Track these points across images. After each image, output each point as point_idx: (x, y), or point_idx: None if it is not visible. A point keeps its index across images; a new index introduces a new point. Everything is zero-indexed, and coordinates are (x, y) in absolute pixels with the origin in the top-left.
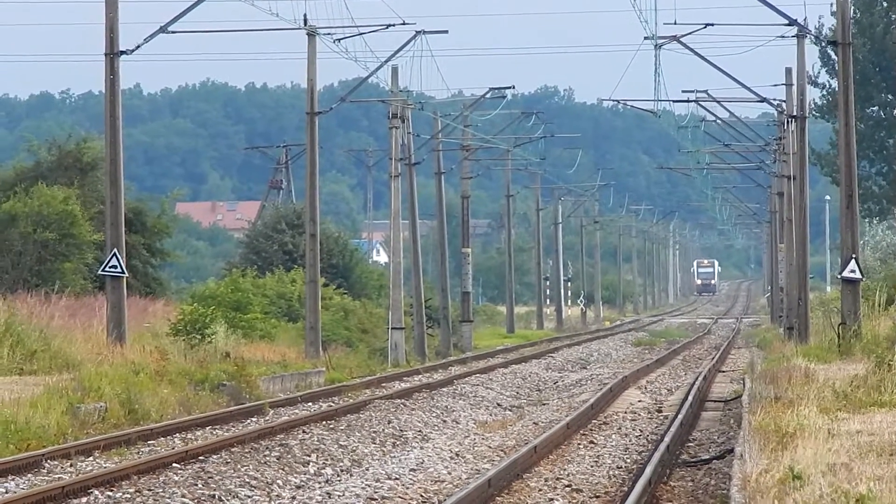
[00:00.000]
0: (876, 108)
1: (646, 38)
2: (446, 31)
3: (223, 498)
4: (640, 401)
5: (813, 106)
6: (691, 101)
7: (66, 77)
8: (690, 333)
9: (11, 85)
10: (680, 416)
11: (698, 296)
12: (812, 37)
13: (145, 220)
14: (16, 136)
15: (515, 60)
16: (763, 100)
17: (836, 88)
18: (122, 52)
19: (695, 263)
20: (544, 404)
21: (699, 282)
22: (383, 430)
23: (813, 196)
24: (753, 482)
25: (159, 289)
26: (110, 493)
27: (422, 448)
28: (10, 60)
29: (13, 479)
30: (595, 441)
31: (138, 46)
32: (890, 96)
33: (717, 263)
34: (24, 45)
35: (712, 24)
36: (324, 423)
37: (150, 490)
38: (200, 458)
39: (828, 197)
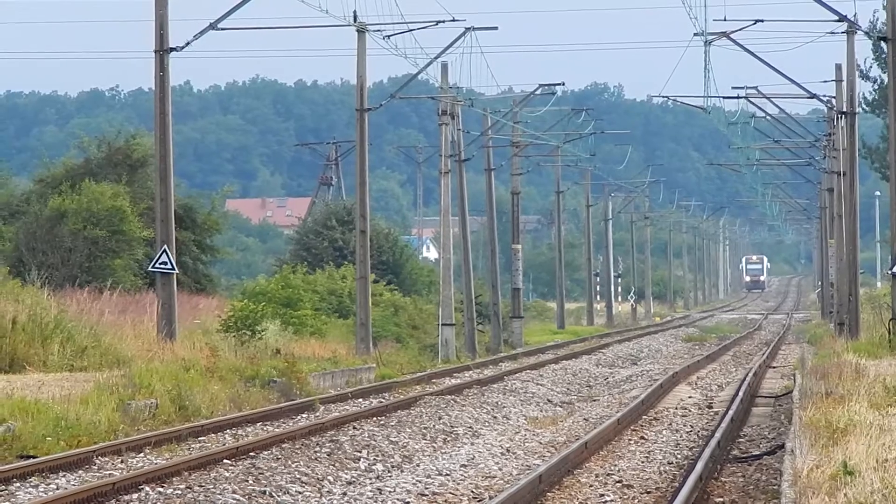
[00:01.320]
0: None
1: (695, 34)
2: (496, 28)
3: (274, 494)
4: (690, 397)
5: (863, 100)
6: (741, 98)
7: (116, 74)
8: (741, 329)
9: (61, 82)
10: (730, 412)
11: (747, 293)
12: (863, 31)
13: (195, 217)
14: (66, 132)
15: (565, 57)
16: (813, 96)
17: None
18: (172, 49)
19: (743, 259)
20: (595, 400)
21: (748, 278)
22: (434, 426)
23: (863, 191)
24: (805, 478)
25: (209, 285)
26: (161, 489)
27: (472, 444)
28: (60, 57)
29: (64, 476)
30: (646, 437)
31: (188, 43)
32: None
33: (766, 260)
34: (73, 42)
35: (762, 21)
36: (374, 419)
37: (200, 486)
38: (251, 454)
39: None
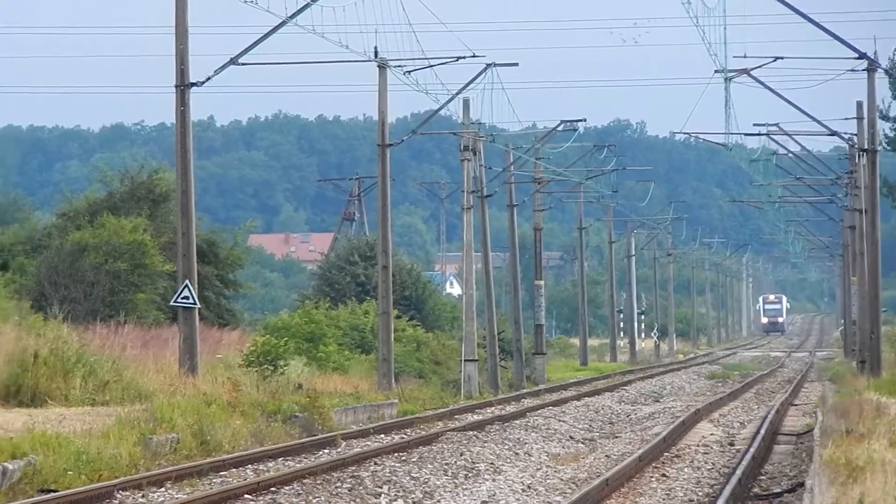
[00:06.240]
0: None
1: (716, 71)
2: (516, 64)
3: None
4: (712, 434)
5: (884, 138)
6: (763, 135)
7: (140, 109)
8: (763, 367)
9: (85, 117)
10: (752, 450)
11: (766, 335)
12: (883, 70)
13: (218, 252)
14: (89, 167)
15: (587, 93)
16: (834, 133)
17: None
18: (193, 84)
19: (760, 299)
20: (617, 437)
21: (765, 320)
22: (455, 462)
23: (885, 229)
24: None
25: (232, 320)
26: None
27: (494, 480)
28: (83, 92)
29: None
30: (667, 474)
31: (209, 78)
32: None
33: (785, 299)
34: (97, 77)
35: (782, 58)
36: (396, 454)
37: None
38: (272, 489)
39: None
